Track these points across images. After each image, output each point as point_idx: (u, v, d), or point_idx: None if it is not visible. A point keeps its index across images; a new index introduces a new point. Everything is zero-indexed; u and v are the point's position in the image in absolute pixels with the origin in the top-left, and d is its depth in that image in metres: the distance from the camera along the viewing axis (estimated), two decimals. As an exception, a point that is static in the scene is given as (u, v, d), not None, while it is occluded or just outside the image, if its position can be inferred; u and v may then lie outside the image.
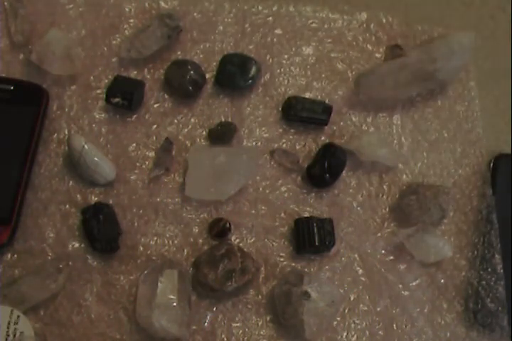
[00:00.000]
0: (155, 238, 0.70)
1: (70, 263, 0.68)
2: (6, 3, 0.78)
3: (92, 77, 0.77)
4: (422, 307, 0.70)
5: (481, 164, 0.77)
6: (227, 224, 0.70)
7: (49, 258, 0.68)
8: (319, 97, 0.78)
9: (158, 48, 0.77)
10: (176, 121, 0.76)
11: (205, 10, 0.81)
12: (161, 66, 0.78)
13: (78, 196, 0.71)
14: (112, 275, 0.68)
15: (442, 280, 0.71)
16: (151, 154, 0.74)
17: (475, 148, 0.78)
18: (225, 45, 0.80)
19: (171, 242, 0.70)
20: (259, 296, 0.69)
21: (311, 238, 0.69)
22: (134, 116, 0.75)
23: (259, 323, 0.68)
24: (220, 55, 0.78)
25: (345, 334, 0.69)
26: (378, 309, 0.70)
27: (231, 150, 0.74)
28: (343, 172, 0.74)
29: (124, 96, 0.73)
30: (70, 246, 0.69)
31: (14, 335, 0.62)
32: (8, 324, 0.62)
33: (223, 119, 0.76)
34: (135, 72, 0.77)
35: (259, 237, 0.71)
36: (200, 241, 0.70)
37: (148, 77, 0.77)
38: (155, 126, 0.75)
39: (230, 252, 0.67)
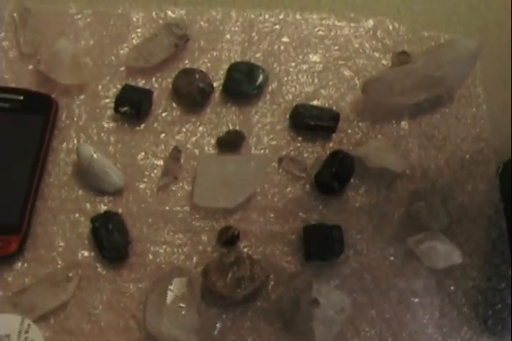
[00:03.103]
0: (164, 246, 0.70)
1: (80, 271, 0.68)
2: (15, 14, 0.79)
3: (100, 87, 0.77)
4: (431, 313, 0.70)
5: (489, 170, 0.77)
6: (236, 232, 0.70)
7: (59, 266, 0.68)
8: (327, 105, 0.78)
9: (165, 57, 0.77)
10: (184, 129, 0.76)
11: (212, 19, 0.82)
12: (169, 75, 0.78)
13: (87, 205, 0.71)
14: (121, 283, 0.68)
15: (451, 287, 0.71)
16: (160, 163, 0.74)
17: (483, 153, 0.78)
18: (232, 54, 0.80)
19: (180, 250, 0.70)
20: (268, 303, 0.69)
21: (319, 245, 0.69)
22: (143, 124, 0.76)
23: (269, 331, 0.68)
24: (228, 64, 0.78)
25: (354, 341, 0.69)
26: (388, 316, 0.69)
27: (239, 158, 0.75)
28: (351, 179, 0.74)
29: (133, 105, 0.73)
30: (80, 254, 0.69)
31: (25, 344, 0.62)
32: (19, 332, 0.63)
33: (231, 127, 0.76)
34: (143, 81, 0.78)
35: (267, 245, 0.71)
36: (209, 249, 0.71)
37: (156, 85, 0.78)
38: (163, 134, 0.75)
39: (239, 260, 0.67)
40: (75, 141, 0.74)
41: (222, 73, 0.79)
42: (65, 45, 0.76)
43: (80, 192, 0.72)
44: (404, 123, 0.78)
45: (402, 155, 0.77)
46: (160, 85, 0.78)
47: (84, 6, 0.82)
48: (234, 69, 0.77)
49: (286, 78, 0.80)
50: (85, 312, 0.67)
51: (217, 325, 0.67)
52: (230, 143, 0.75)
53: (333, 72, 0.81)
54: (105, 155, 0.72)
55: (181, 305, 0.64)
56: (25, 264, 0.68)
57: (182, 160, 0.74)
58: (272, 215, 0.73)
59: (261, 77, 0.77)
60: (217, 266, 0.67)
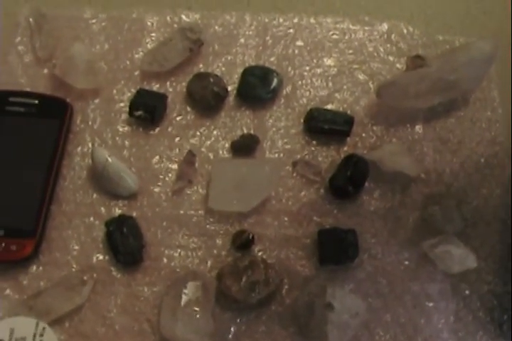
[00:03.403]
0: (178, 250, 0.70)
1: (95, 275, 0.68)
2: (31, 19, 0.80)
3: (115, 91, 0.78)
4: (446, 318, 0.69)
5: (504, 173, 0.77)
6: (251, 236, 0.70)
7: (73, 270, 0.69)
8: (341, 108, 0.78)
9: (180, 61, 0.78)
10: (198, 133, 0.76)
11: (226, 23, 0.82)
12: (183, 79, 0.78)
13: (102, 208, 0.72)
14: (135, 287, 0.68)
15: (467, 291, 0.71)
16: (174, 166, 0.74)
17: (498, 157, 0.77)
18: (247, 58, 0.81)
19: (194, 254, 0.70)
20: (283, 308, 0.68)
21: (334, 249, 0.69)
22: (157, 129, 0.76)
23: (283, 335, 0.67)
24: (242, 68, 0.78)
25: (369, 345, 0.68)
26: (402, 320, 0.69)
27: (253, 162, 0.75)
28: (366, 182, 0.74)
29: (147, 109, 0.74)
30: (95, 258, 0.69)
31: (40, 347, 0.63)
32: (34, 336, 0.63)
33: (245, 131, 0.76)
34: (157, 86, 0.78)
35: (282, 249, 0.71)
36: (224, 252, 0.71)
37: (171, 90, 0.78)
38: (178, 138, 0.76)
39: (254, 264, 0.67)
40: (90, 145, 0.75)
41: (236, 77, 0.79)
42: (80, 50, 0.76)
43: (95, 196, 0.72)
44: (418, 127, 0.78)
45: (417, 159, 0.76)
46: (174, 89, 0.78)
47: (98, 10, 0.82)
48: (248, 73, 0.77)
49: (300, 82, 0.80)
50: (100, 316, 0.67)
51: (232, 329, 0.67)
52: (245, 146, 0.75)
53: (347, 75, 0.81)
54: (120, 159, 0.72)
55: (195, 308, 0.64)
56: (41, 268, 0.69)
57: (196, 164, 0.74)
58: (286, 219, 0.72)
59: (275, 81, 0.77)
60: (232, 270, 0.67)
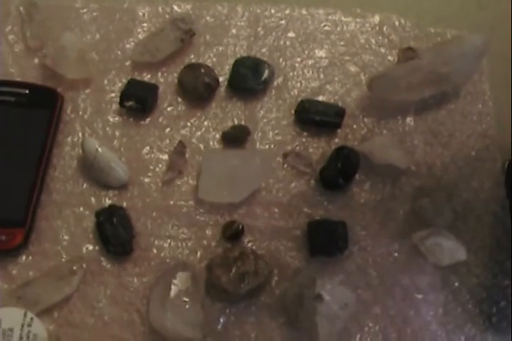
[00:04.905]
0: (168, 240, 0.70)
1: (84, 265, 0.68)
2: (21, 9, 0.79)
3: (105, 81, 0.77)
4: (435, 310, 0.70)
5: (494, 167, 0.77)
6: (240, 227, 0.70)
7: (63, 260, 0.69)
8: (332, 100, 0.78)
9: (171, 52, 0.77)
10: (189, 124, 0.76)
11: (217, 13, 0.82)
12: (175, 69, 0.78)
13: (92, 199, 0.71)
14: (125, 277, 0.68)
15: (456, 284, 0.71)
16: (165, 157, 0.74)
17: (488, 150, 0.77)
18: (238, 49, 0.80)
19: (184, 245, 0.70)
20: (272, 299, 0.69)
21: (324, 241, 0.69)
22: (148, 119, 0.76)
23: (272, 326, 0.68)
24: (233, 59, 0.78)
25: (358, 337, 0.68)
26: (392, 312, 0.69)
27: (244, 153, 0.75)
28: (356, 174, 0.73)
29: (138, 99, 0.73)
30: (84, 248, 0.69)
31: (28, 337, 0.62)
32: (22, 326, 0.63)
33: (236, 122, 0.76)
34: (148, 76, 0.78)
35: (272, 240, 0.71)
36: (214, 243, 0.71)
37: (162, 80, 0.78)
38: (168, 129, 0.75)
39: (243, 255, 0.67)
40: (80, 135, 0.74)
41: (227, 68, 0.79)
42: (71, 40, 0.76)
43: (85, 186, 0.72)
44: (409, 120, 0.78)
45: (408, 151, 0.76)
46: (165, 80, 0.78)
47: (90, 0, 0.82)
48: (239, 64, 0.77)
49: (291, 73, 0.80)
50: (89, 306, 0.67)
51: (221, 320, 0.67)
52: (235, 138, 0.75)
53: (338, 67, 0.81)
54: (110, 149, 0.72)
55: (185, 299, 0.65)
56: (30, 257, 0.68)
57: (187, 155, 0.74)
58: (276, 210, 0.72)
59: (266, 72, 0.77)
60: (222, 261, 0.67)
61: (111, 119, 0.76)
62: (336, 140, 0.76)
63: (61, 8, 0.81)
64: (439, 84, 0.76)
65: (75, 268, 0.67)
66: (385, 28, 0.83)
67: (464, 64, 0.76)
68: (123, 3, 0.82)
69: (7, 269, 0.68)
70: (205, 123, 0.76)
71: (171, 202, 0.72)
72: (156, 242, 0.70)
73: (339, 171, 0.71)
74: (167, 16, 0.81)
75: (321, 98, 0.78)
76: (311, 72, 0.80)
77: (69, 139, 0.74)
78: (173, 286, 0.65)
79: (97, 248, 0.69)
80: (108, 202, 0.71)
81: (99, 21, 0.81)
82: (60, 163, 0.73)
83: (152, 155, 0.74)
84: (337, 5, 0.84)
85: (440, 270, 0.71)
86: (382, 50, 0.82)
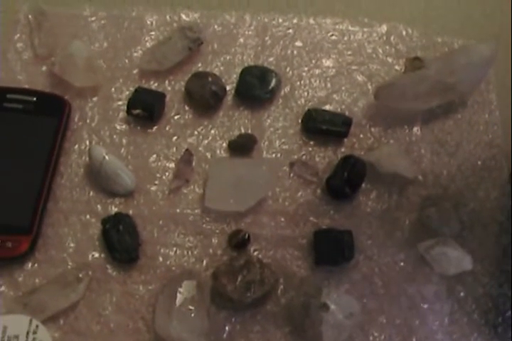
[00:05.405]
0: (174, 248, 0.70)
1: (90, 272, 0.68)
2: (30, 17, 0.80)
3: (113, 89, 0.78)
4: (441, 320, 0.69)
5: (501, 176, 0.77)
6: (247, 236, 0.70)
7: (69, 267, 0.68)
8: (339, 109, 0.78)
9: (179, 60, 0.78)
10: (196, 132, 0.76)
11: (225, 22, 0.82)
12: (182, 78, 0.78)
13: (98, 206, 0.72)
14: (131, 285, 0.68)
15: (462, 293, 0.71)
16: (171, 165, 0.74)
17: (495, 160, 0.77)
18: (246, 57, 0.81)
19: (190, 253, 0.70)
20: (278, 307, 0.68)
21: (330, 250, 0.69)
22: (155, 127, 0.76)
23: (278, 335, 0.67)
24: (241, 67, 0.78)
25: (364, 346, 0.68)
26: (397, 321, 0.69)
27: (251, 161, 0.75)
28: (363, 184, 0.73)
29: (145, 107, 0.74)
30: (90, 255, 0.69)
31: (33, 344, 0.62)
32: (27, 333, 0.63)
33: (243, 131, 0.76)
34: (156, 84, 0.78)
35: (278, 249, 0.71)
36: (220, 252, 0.70)
37: (169, 88, 0.78)
38: (175, 137, 0.76)
39: (249, 263, 0.67)
40: (87, 143, 0.75)
41: (235, 77, 0.79)
42: (79, 48, 0.76)
43: (92, 193, 0.72)
44: (416, 129, 0.78)
45: (414, 160, 0.76)
46: (173, 88, 0.78)
47: (98, 8, 0.82)
48: (247, 73, 0.77)
49: (298, 82, 0.80)
50: (95, 314, 0.67)
51: (227, 329, 0.67)
52: (242, 146, 0.75)
53: (345, 76, 0.81)
54: (117, 157, 0.72)
55: (191, 307, 0.64)
56: (36, 265, 0.69)
57: (194, 163, 0.74)
58: (282, 219, 0.72)
59: (273, 81, 0.77)
60: (227, 270, 0.67)
61: (118, 127, 0.76)
62: (343, 149, 0.77)
63: (69, 16, 0.81)
64: (446, 93, 0.76)
65: (80, 275, 0.67)
66: (392, 38, 0.83)
67: (470, 73, 0.76)
68: (131, 12, 0.82)
69: (13, 276, 0.68)
70: (212, 131, 0.76)
71: (178, 210, 0.72)
72: (162, 250, 0.70)
73: (346, 180, 0.71)
74: (175, 25, 0.82)
75: (327, 107, 0.78)
76: (318, 81, 0.80)
77: (76, 147, 0.74)
78: (178, 294, 0.65)
79: (103, 255, 0.69)
80: (114, 209, 0.71)
81: (107, 29, 0.81)
82: (67, 170, 0.73)
83: (159, 163, 0.74)
84: (344, 14, 0.85)
85: (446, 279, 0.71)
86: (389, 59, 0.82)
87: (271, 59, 0.81)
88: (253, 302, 0.67)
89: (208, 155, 0.75)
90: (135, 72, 0.79)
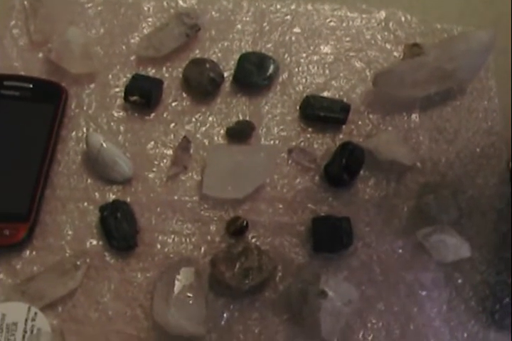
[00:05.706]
0: (172, 236, 0.70)
1: (88, 260, 0.68)
2: (25, 3, 0.79)
3: (110, 76, 0.77)
4: (439, 307, 0.70)
5: (500, 163, 0.77)
6: (245, 223, 0.70)
7: (67, 255, 0.68)
8: (337, 96, 0.78)
9: (176, 47, 0.77)
10: (193, 119, 0.76)
11: (223, 8, 0.82)
12: (179, 64, 0.78)
13: (96, 194, 0.71)
14: (129, 272, 0.68)
15: (460, 280, 0.71)
16: (169, 152, 0.74)
17: (494, 147, 0.77)
18: (243, 44, 0.80)
19: (188, 240, 0.70)
20: (276, 294, 0.68)
21: (328, 237, 0.69)
22: (152, 114, 0.76)
23: (276, 322, 0.67)
24: (238, 54, 0.78)
25: (361, 333, 0.68)
26: (395, 308, 0.69)
27: (249, 148, 0.74)
28: (361, 171, 0.73)
29: (143, 94, 0.73)
30: (88, 243, 0.69)
31: (31, 332, 0.62)
32: (26, 321, 0.63)
33: (241, 118, 0.76)
34: (153, 71, 0.78)
35: (276, 236, 0.71)
36: (218, 239, 0.70)
37: (167, 75, 0.78)
38: (173, 124, 0.75)
39: (247, 250, 0.67)
40: (85, 130, 0.74)
41: (232, 63, 0.78)
42: (75, 34, 0.76)
43: (89, 181, 0.72)
44: (415, 116, 0.78)
45: (413, 147, 0.76)
46: (170, 75, 0.78)
47: (95, -6, 0.82)
48: (245, 59, 0.77)
49: (296, 69, 0.79)
50: (93, 301, 0.67)
51: (225, 315, 0.67)
52: (240, 133, 0.74)
53: (344, 63, 0.81)
54: (115, 144, 0.72)
55: (189, 294, 0.64)
56: (34, 252, 0.68)
57: (191, 150, 0.74)
58: (280, 206, 0.72)
59: (271, 68, 0.77)
60: (225, 257, 0.67)
61: (115, 114, 0.75)
62: (341, 136, 0.76)
63: (66, 2, 0.81)
64: (444, 80, 0.76)
65: (78, 263, 0.67)
66: (390, 24, 0.83)
67: (470, 60, 0.75)
68: (128, -2, 0.82)
69: (11, 264, 0.68)
70: (210, 118, 0.76)
71: (175, 198, 0.72)
72: (159, 237, 0.70)
73: (344, 167, 0.71)
74: (172, 11, 0.81)
75: (326, 94, 0.78)
76: (316, 67, 0.80)
77: (73, 134, 0.74)
78: (176, 282, 0.65)
79: (100, 243, 0.69)
80: (112, 197, 0.71)
81: (104, 16, 0.80)
82: (65, 158, 0.73)
83: (157, 151, 0.74)
84: (343, 0, 0.84)
85: (444, 267, 0.71)
86: (388, 46, 0.82)
87: (269, 45, 0.80)
88: (251, 290, 0.67)
89: (206, 142, 0.75)
90: (132, 58, 0.78)
